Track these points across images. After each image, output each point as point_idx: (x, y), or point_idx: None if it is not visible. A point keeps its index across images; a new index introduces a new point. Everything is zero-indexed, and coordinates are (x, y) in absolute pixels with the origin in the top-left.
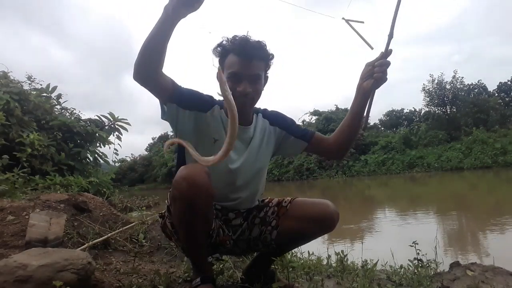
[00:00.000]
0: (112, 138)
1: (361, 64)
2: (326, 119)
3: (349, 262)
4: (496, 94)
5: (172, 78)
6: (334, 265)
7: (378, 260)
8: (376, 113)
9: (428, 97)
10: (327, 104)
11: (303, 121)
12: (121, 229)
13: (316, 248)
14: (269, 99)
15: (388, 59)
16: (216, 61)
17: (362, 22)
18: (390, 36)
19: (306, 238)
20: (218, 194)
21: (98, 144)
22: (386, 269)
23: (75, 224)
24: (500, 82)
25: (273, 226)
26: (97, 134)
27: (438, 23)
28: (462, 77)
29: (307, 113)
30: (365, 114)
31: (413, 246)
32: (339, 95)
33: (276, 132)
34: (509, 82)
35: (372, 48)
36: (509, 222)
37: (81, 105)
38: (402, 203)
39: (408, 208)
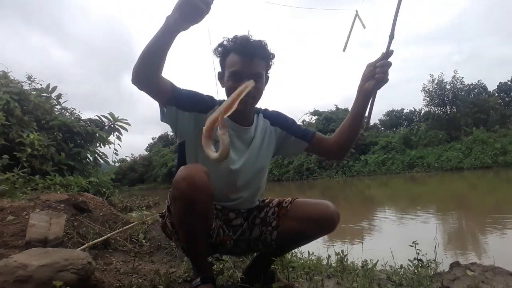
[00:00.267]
0: (112, 138)
1: (361, 64)
2: (326, 119)
3: (349, 262)
4: (496, 94)
5: (171, 81)
6: (334, 265)
7: (378, 260)
8: (376, 113)
9: (428, 97)
10: (327, 104)
11: (303, 121)
12: (121, 229)
13: (316, 248)
14: (269, 99)
15: (389, 59)
16: (216, 61)
17: (364, 27)
18: (391, 37)
19: (307, 239)
20: (219, 194)
21: (98, 144)
22: (386, 269)
23: (75, 224)
24: (500, 82)
25: (274, 227)
26: (97, 134)
27: (438, 23)
28: (462, 77)
29: (307, 113)
30: (366, 114)
31: (413, 246)
32: (339, 95)
33: (277, 132)
34: (509, 82)
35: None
36: (509, 222)
37: (81, 105)
38: (402, 203)
39: (408, 208)
